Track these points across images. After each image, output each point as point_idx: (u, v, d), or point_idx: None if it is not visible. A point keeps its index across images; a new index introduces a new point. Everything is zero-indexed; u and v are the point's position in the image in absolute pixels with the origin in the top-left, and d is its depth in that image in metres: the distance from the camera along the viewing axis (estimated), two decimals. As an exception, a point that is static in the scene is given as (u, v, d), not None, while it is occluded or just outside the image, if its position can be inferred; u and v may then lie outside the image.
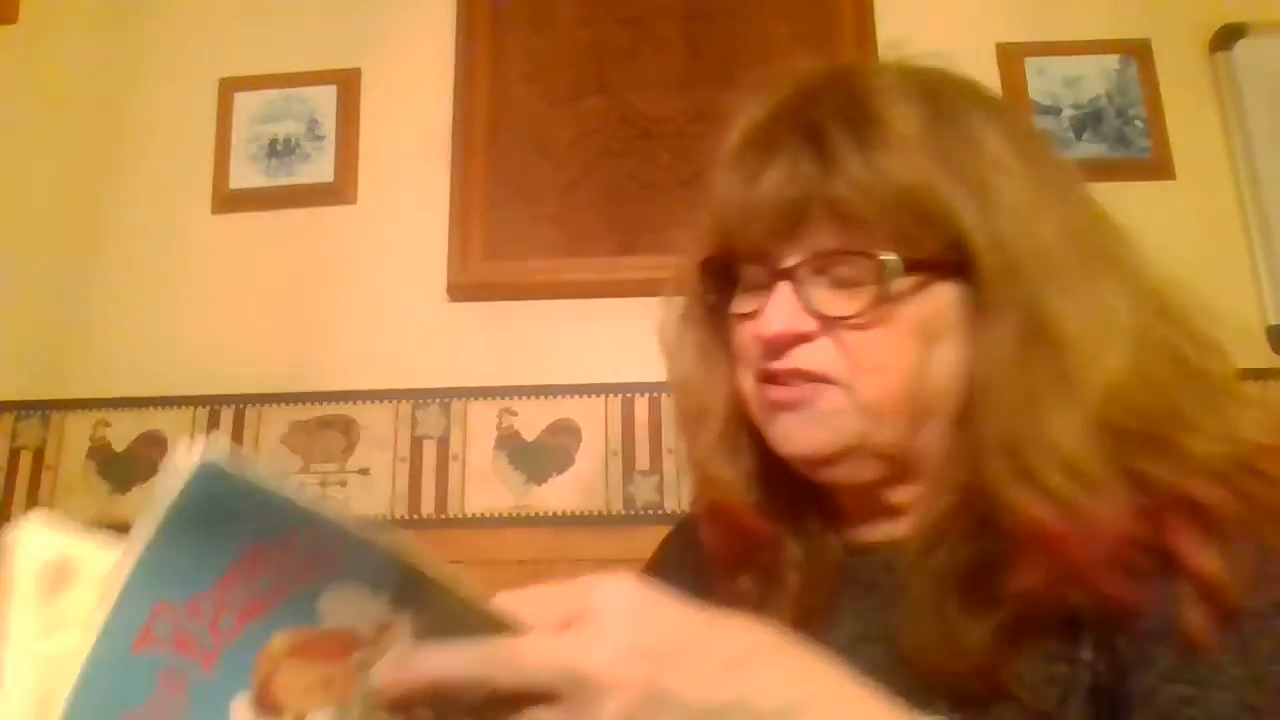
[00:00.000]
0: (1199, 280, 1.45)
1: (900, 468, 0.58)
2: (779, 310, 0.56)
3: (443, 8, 1.44)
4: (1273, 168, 1.30)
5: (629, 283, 1.28)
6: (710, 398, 0.64)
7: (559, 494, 1.27)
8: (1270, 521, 0.49)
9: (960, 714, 0.50)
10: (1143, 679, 0.48)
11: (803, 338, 0.56)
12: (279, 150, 1.41)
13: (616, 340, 1.29)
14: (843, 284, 0.56)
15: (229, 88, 1.44)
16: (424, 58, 1.43)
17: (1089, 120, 1.36)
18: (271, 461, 0.39)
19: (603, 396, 1.30)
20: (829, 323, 0.56)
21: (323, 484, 1.29)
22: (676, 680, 0.39)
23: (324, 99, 1.42)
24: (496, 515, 1.26)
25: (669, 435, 1.28)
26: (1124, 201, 1.50)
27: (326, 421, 1.31)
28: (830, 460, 0.57)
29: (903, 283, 0.55)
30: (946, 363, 0.56)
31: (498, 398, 1.31)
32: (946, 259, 0.55)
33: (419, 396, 1.31)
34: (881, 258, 0.54)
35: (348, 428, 1.31)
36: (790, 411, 0.57)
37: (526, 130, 1.38)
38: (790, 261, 0.56)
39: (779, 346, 0.57)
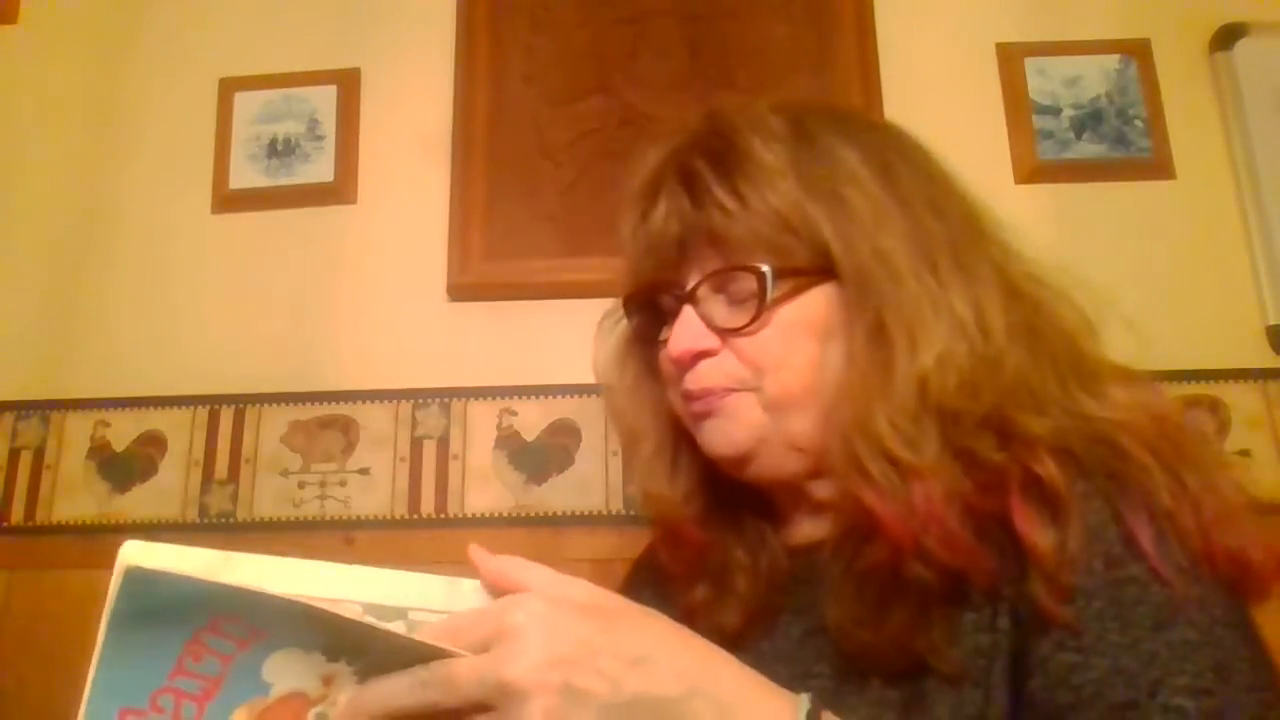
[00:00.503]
0: (1199, 280, 1.46)
1: (816, 461, 0.63)
2: (683, 331, 0.63)
3: (443, 8, 1.44)
4: (1273, 168, 1.30)
5: (629, 283, 1.28)
6: (643, 421, 0.72)
7: (559, 494, 1.27)
8: (1109, 495, 0.53)
9: (898, 691, 0.55)
10: (1040, 646, 0.52)
11: (706, 354, 0.63)
12: (279, 150, 1.41)
13: (616, 340, 1.30)
14: (737, 300, 0.63)
15: (229, 88, 1.44)
16: (424, 58, 1.43)
17: (1089, 120, 1.36)
18: (186, 552, 0.40)
19: (603, 397, 1.30)
20: (727, 335, 0.62)
21: (323, 484, 1.29)
22: (588, 680, 0.45)
23: (324, 99, 1.42)
24: (496, 515, 1.26)
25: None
26: (1124, 201, 1.51)
27: (326, 421, 1.31)
28: (749, 456, 0.63)
29: (781, 288, 0.61)
30: (836, 361, 0.61)
31: (498, 398, 1.31)
32: (815, 265, 0.61)
33: (419, 396, 1.31)
34: (760, 268, 0.61)
35: (348, 428, 1.31)
36: (709, 419, 0.64)
37: (526, 130, 1.38)
38: (688, 286, 0.64)
39: (686, 364, 0.64)
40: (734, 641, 0.64)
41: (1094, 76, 1.37)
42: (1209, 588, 0.52)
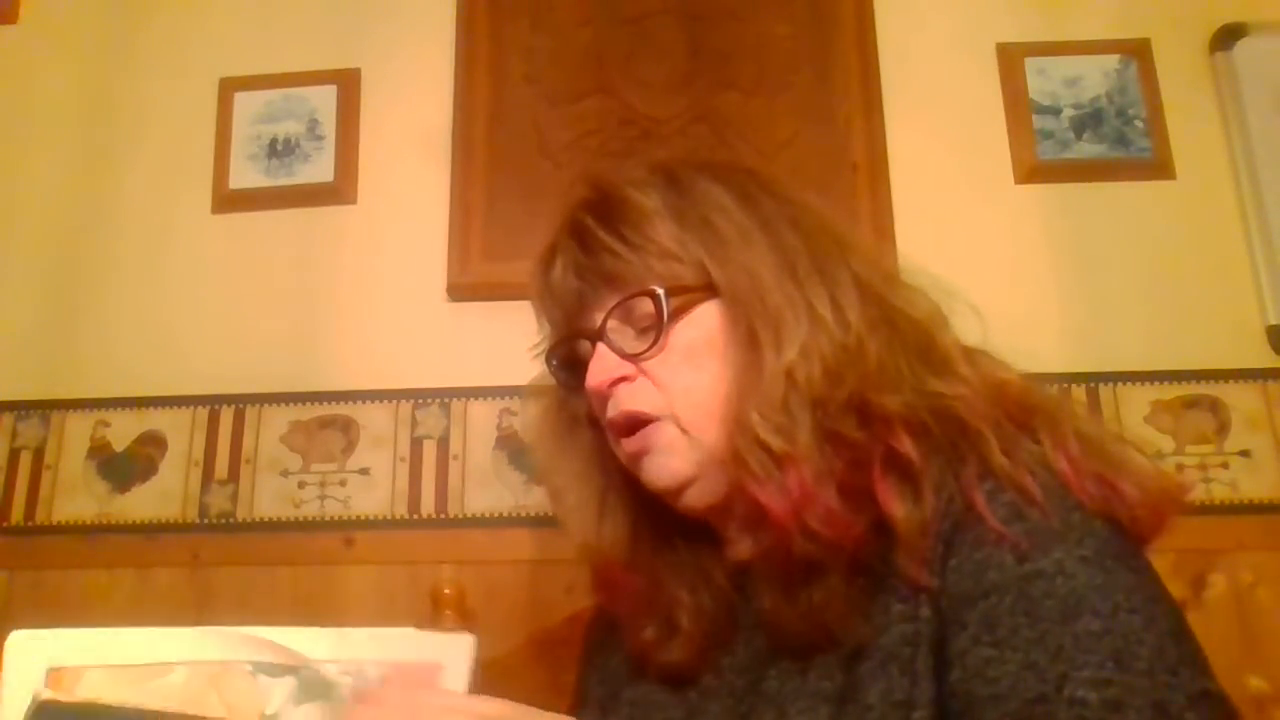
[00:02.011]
0: (1199, 280, 1.46)
1: (738, 475, 0.65)
2: (598, 364, 0.68)
3: (443, 8, 1.44)
4: (1273, 168, 1.30)
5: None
6: (568, 472, 0.76)
7: (559, 494, 1.27)
8: (951, 464, 0.59)
9: (833, 683, 0.59)
10: (958, 640, 0.55)
11: (623, 379, 0.67)
12: (279, 150, 1.41)
13: (616, 340, 1.30)
14: (641, 327, 0.68)
15: (229, 88, 1.44)
16: (424, 58, 1.43)
17: (1089, 120, 1.36)
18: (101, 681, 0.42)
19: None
20: (637, 360, 0.67)
21: (322, 484, 1.29)
22: None
23: (324, 99, 1.42)
24: (496, 515, 1.26)
25: None
26: (1124, 201, 1.52)
27: (326, 421, 1.31)
28: (690, 482, 0.67)
29: (674, 304, 0.66)
30: (731, 372, 0.65)
31: (498, 398, 1.31)
32: (701, 284, 0.67)
33: (419, 396, 1.31)
34: (654, 289, 0.66)
35: (348, 428, 1.31)
36: (644, 456, 0.68)
37: (526, 130, 1.38)
38: (594, 326, 0.69)
39: (604, 393, 0.68)
40: (689, 668, 0.69)
41: (1094, 76, 1.37)
42: (1075, 526, 0.56)
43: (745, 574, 0.69)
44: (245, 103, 1.43)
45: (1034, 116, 1.36)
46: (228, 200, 1.40)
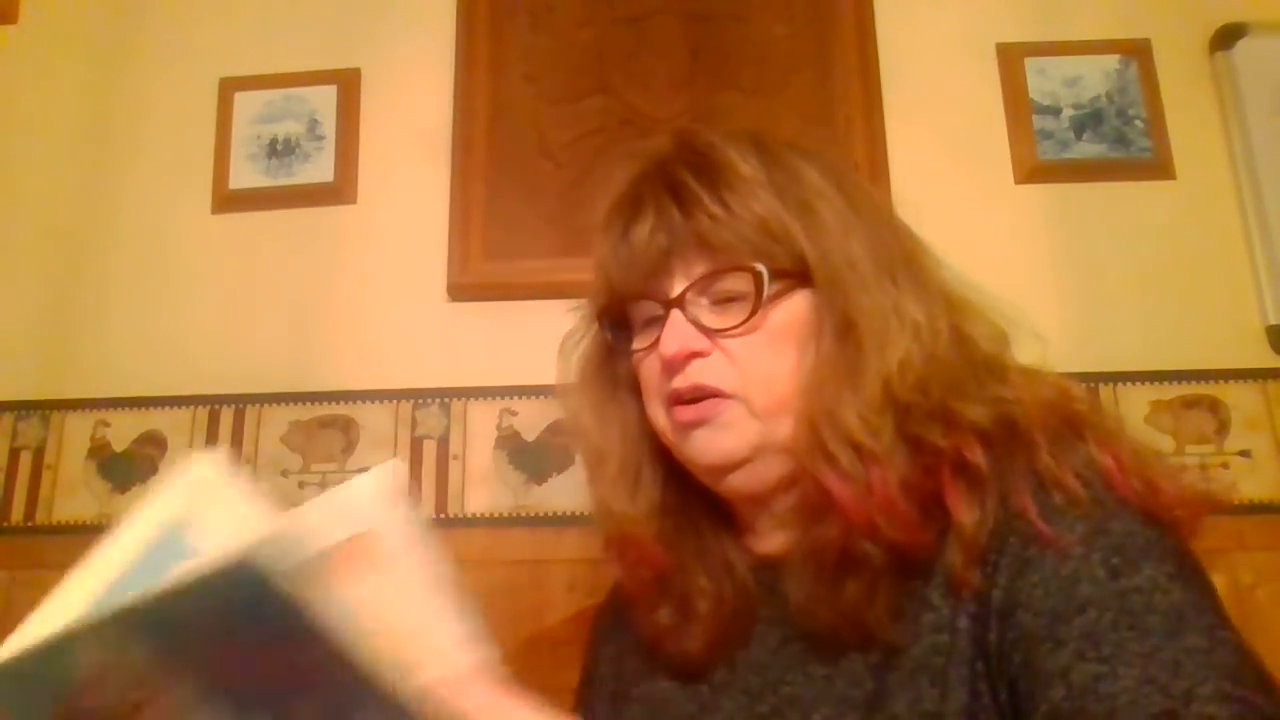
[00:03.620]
0: (1199, 280, 1.46)
1: (796, 466, 0.65)
2: (674, 332, 0.65)
3: (443, 8, 1.44)
4: (1273, 168, 1.30)
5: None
6: (609, 438, 0.73)
7: (559, 494, 1.27)
8: (1003, 467, 0.59)
9: (862, 690, 0.58)
10: (1054, 657, 0.53)
11: (697, 354, 0.65)
12: (279, 150, 1.41)
13: (616, 340, 1.30)
14: (723, 302, 0.65)
15: (229, 88, 1.44)
16: (424, 57, 1.43)
17: (1089, 120, 1.36)
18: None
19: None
20: (718, 336, 0.65)
21: (323, 484, 1.29)
22: None
23: (324, 99, 1.42)
24: (496, 515, 1.26)
25: None
26: (1124, 201, 1.51)
27: (326, 421, 1.31)
28: (741, 463, 0.65)
29: (773, 288, 0.64)
30: (811, 361, 0.64)
31: (498, 398, 1.31)
32: (796, 270, 0.65)
33: (419, 396, 1.31)
34: (757, 268, 0.64)
35: (348, 428, 1.31)
36: (699, 427, 0.65)
37: (526, 130, 1.38)
38: (675, 292, 0.66)
39: (678, 364, 0.65)
40: (703, 659, 0.68)
41: (1094, 76, 1.37)
42: (1125, 521, 0.56)
43: (769, 569, 0.68)
44: (245, 103, 1.43)
45: (1034, 116, 1.36)
46: (228, 200, 1.40)
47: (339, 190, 1.39)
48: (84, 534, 1.26)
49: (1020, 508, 0.57)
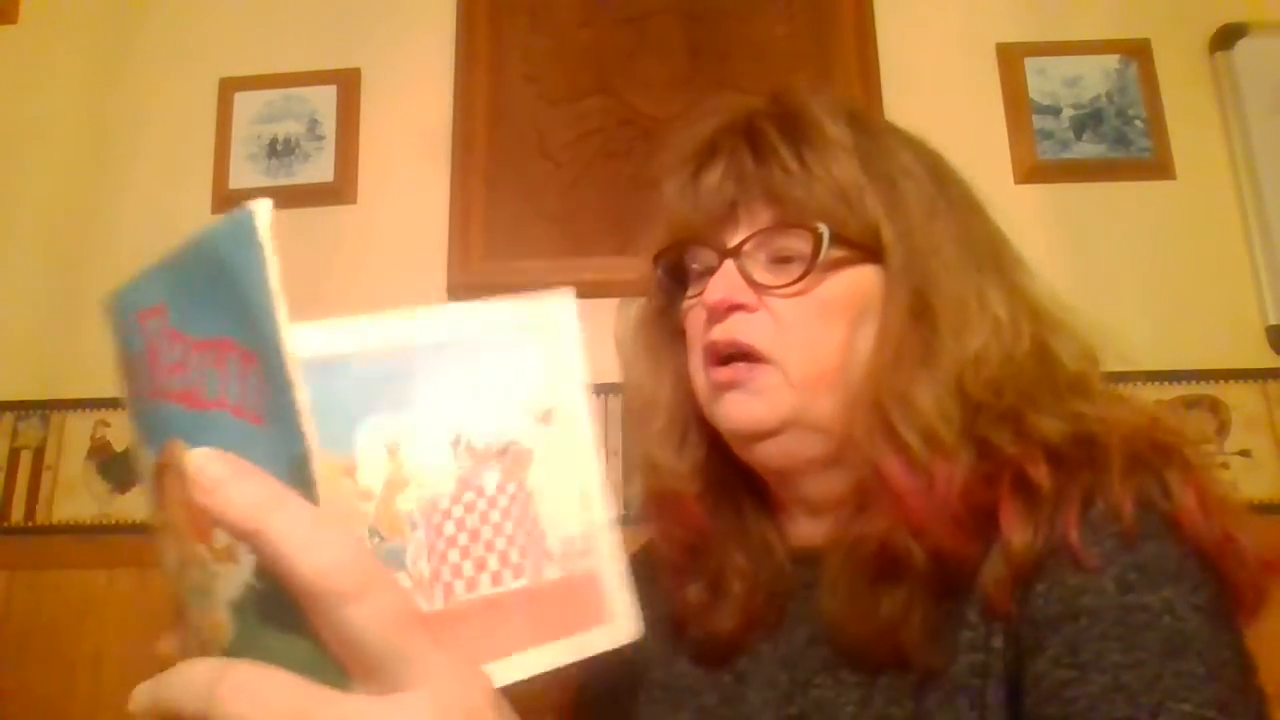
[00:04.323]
0: (1199, 280, 1.46)
1: (834, 447, 0.62)
2: (722, 280, 0.62)
3: (443, 8, 1.44)
4: (1273, 168, 1.30)
5: (629, 283, 1.28)
6: (661, 392, 0.69)
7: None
8: (1064, 487, 0.55)
9: (901, 709, 0.55)
10: (1034, 664, 0.52)
11: (742, 307, 0.61)
12: (279, 150, 1.41)
13: (616, 340, 1.30)
14: (780, 261, 0.62)
15: (229, 88, 1.44)
16: (424, 57, 1.43)
17: (1089, 120, 1.36)
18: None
19: (603, 396, 1.30)
20: (766, 293, 0.61)
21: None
22: None
23: (324, 99, 1.42)
24: (496, 515, 1.26)
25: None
26: (1124, 201, 1.51)
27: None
28: (769, 433, 0.62)
29: (833, 254, 0.60)
30: (868, 343, 0.61)
31: (498, 398, 1.31)
32: (865, 243, 0.61)
33: (419, 396, 1.31)
34: (818, 227, 0.60)
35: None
36: (732, 390, 0.62)
37: (526, 130, 1.38)
38: (732, 242, 0.62)
39: (720, 313, 0.62)
40: (730, 643, 0.64)
41: (1094, 76, 1.37)
42: (1190, 571, 0.51)
43: (805, 563, 0.65)
44: (245, 103, 1.43)
45: (1034, 116, 1.36)
46: (228, 200, 1.40)
47: (339, 190, 1.39)
48: (84, 534, 1.27)
49: (1065, 525, 0.53)
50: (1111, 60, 1.38)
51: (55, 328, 1.37)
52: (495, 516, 0.47)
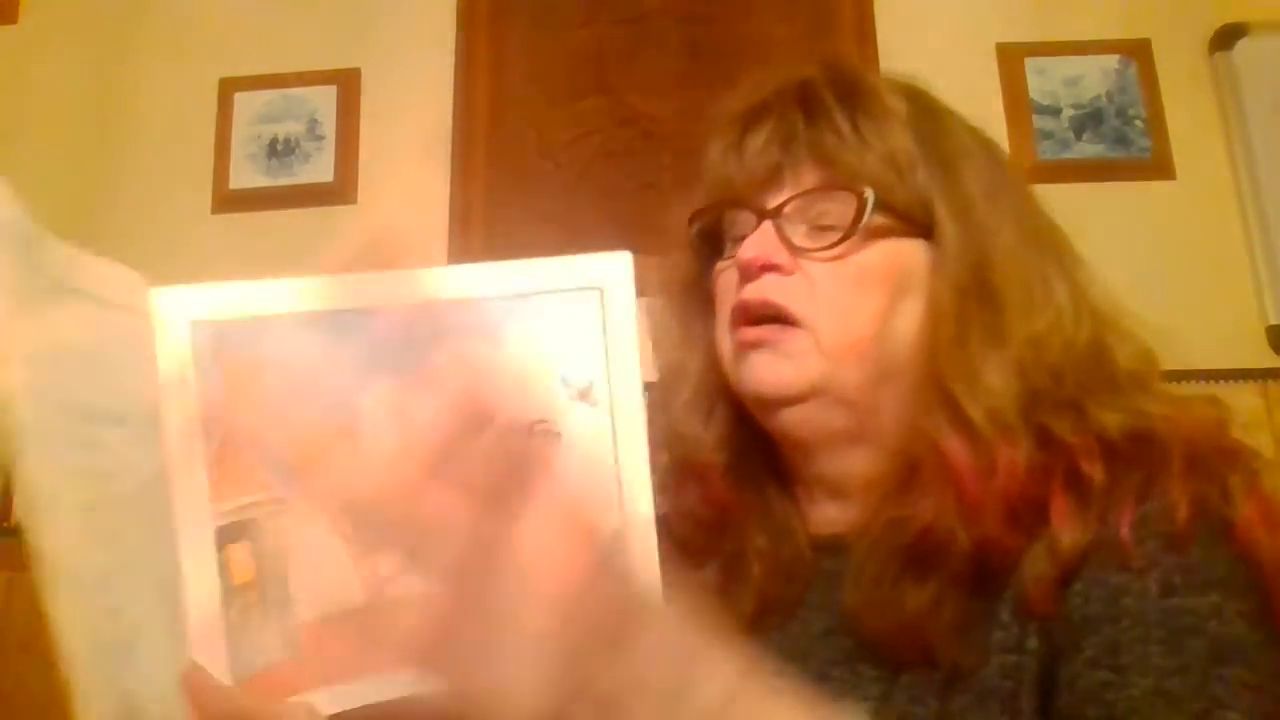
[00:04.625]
0: (1199, 280, 1.46)
1: (857, 422, 0.59)
2: (759, 238, 0.59)
3: (443, 8, 1.44)
4: (1273, 168, 1.30)
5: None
6: (688, 360, 0.66)
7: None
8: (1118, 483, 0.52)
9: (925, 708, 0.52)
10: (1070, 665, 0.50)
11: (777, 268, 0.59)
12: (279, 150, 1.41)
13: (616, 340, 1.29)
14: (821, 228, 0.59)
15: (229, 88, 1.44)
16: (424, 58, 1.43)
17: (1089, 120, 1.36)
18: None
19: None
20: (803, 255, 0.59)
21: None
22: None
23: (324, 99, 1.42)
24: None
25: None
26: (1124, 201, 1.51)
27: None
28: (795, 399, 0.59)
29: (876, 221, 0.58)
30: (909, 320, 0.59)
31: (498, 398, 1.31)
32: (914, 216, 0.59)
33: (419, 396, 1.31)
34: (863, 191, 0.58)
35: (348, 428, 1.31)
36: (758, 350, 0.59)
37: (526, 130, 1.38)
38: (774, 203, 0.60)
39: (753, 271, 0.59)
40: (743, 629, 0.60)
41: (1094, 76, 1.37)
42: (1240, 577, 0.49)
43: (827, 551, 0.62)
44: (245, 103, 1.43)
45: (1034, 116, 1.36)
46: (228, 200, 1.40)
47: (339, 190, 1.39)
48: (84, 534, 1.27)
49: (1115, 522, 0.51)
50: (1111, 60, 1.38)
51: (55, 328, 1.37)
52: None
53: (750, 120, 0.63)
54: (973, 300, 0.57)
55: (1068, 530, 0.51)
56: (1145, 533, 0.50)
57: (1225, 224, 1.32)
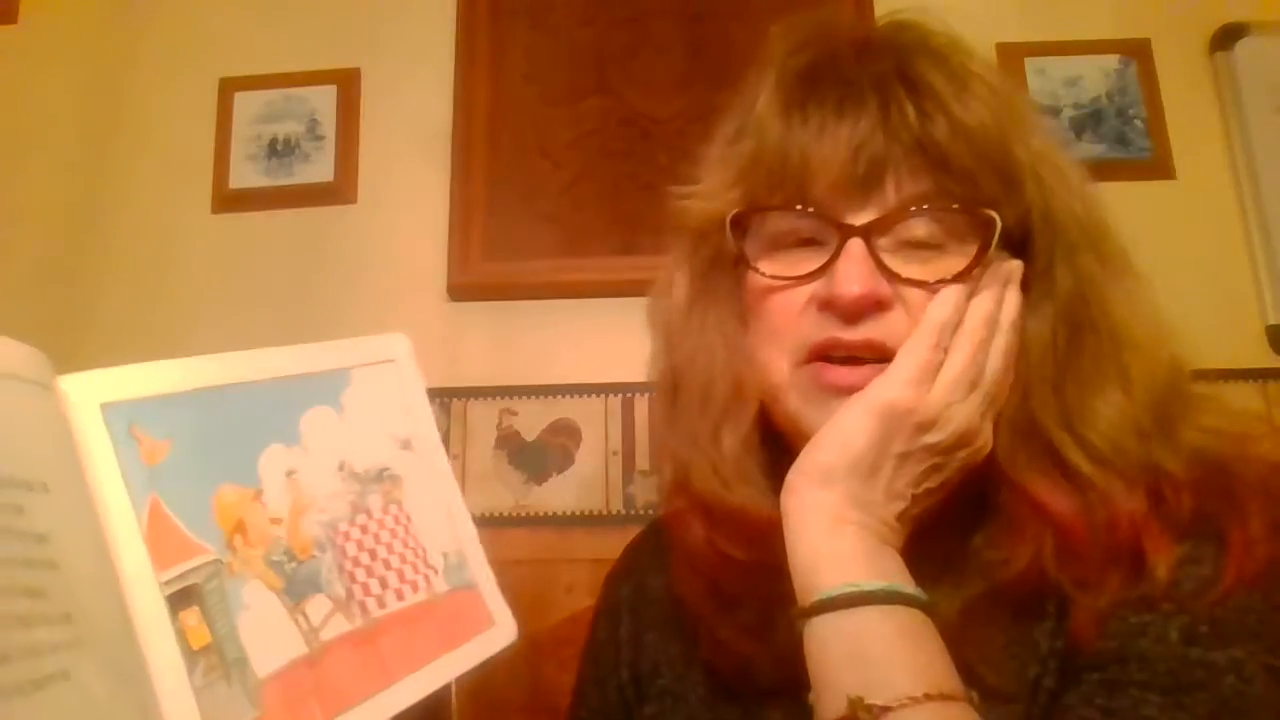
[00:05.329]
0: (1199, 280, 1.45)
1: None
2: (857, 270, 0.49)
3: (443, 8, 1.44)
4: (1273, 168, 1.30)
5: (629, 283, 1.28)
6: (711, 366, 0.58)
7: (559, 494, 1.27)
8: (1211, 524, 0.48)
9: None
10: (1068, 696, 0.47)
11: (880, 304, 0.50)
12: (279, 150, 1.41)
13: (616, 340, 1.29)
14: (910, 243, 0.51)
15: (229, 88, 1.44)
16: (424, 58, 1.43)
17: (1089, 120, 1.36)
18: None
19: (603, 396, 1.30)
20: (907, 287, 0.50)
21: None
22: None
23: (324, 99, 1.42)
24: (496, 515, 1.26)
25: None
26: (1124, 201, 1.50)
27: (326, 421, 1.31)
28: None
29: (997, 249, 0.51)
30: (997, 355, 0.52)
31: (498, 398, 1.31)
32: (1014, 235, 0.52)
33: (419, 396, 1.31)
34: (990, 215, 0.50)
35: (348, 428, 1.31)
36: (846, 395, 0.51)
37: (526, 130, 1.38)
38: (864, 216, 0.50)
39: (857, 311, 0.50)
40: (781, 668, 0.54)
41: (1094, 76, 1.37)
42: (1273, 628, 0.46)
43: None
44: (245, 103, 1.43)
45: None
46: (228, 200, 1.40)
47: (339, 190, 1.39)
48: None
49: (1156, 560, 0.47)
50: (1111, 60, 1.38)
51: (55, 327, 1.37)
52: (385, 536, 0.51)
53: (835, 104, 0.52)
54: (1077, 329, 0.52)
55: (1163, 561, 0.47)
56: (1184, 574, 0.47)
57: (1225, 224, 1.32)
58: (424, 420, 0.59)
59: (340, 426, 0.52)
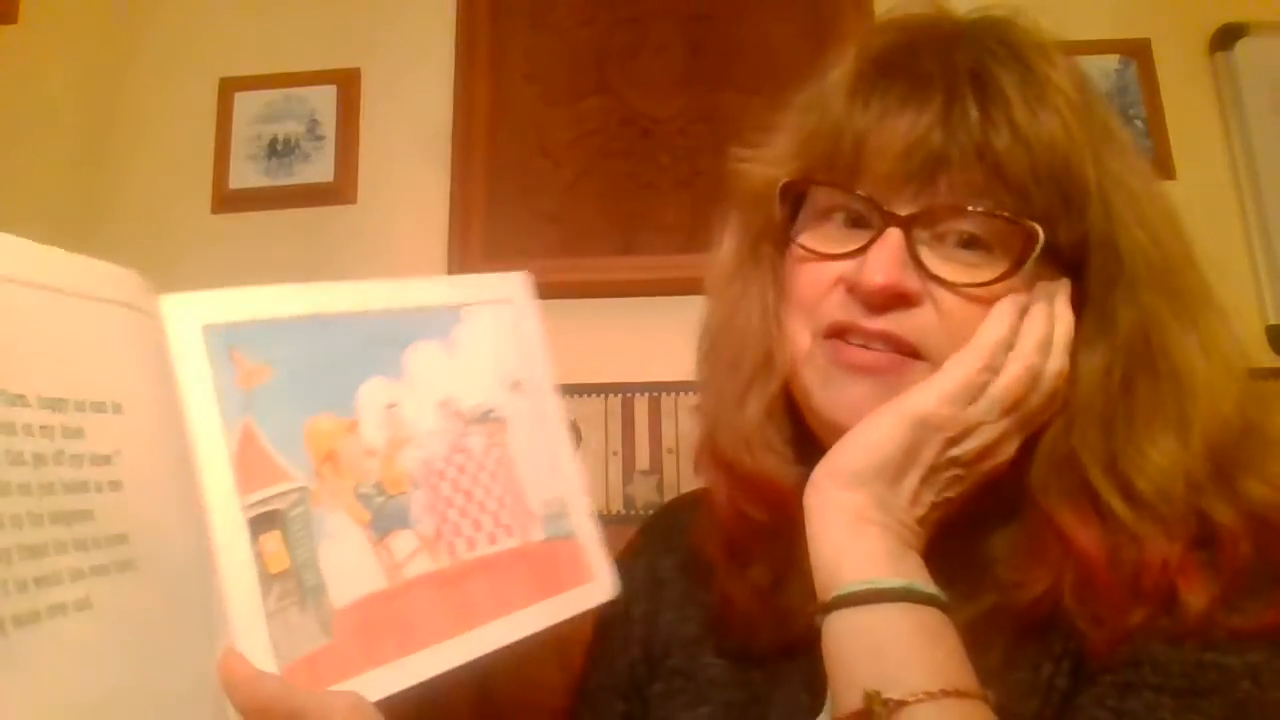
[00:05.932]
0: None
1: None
2: (889, 257, 0.49)
3: (443, 8, 1.44)
4: (1273, 168, 1.30)
5: (629, 283, 1.28)
6: (753, 341, 0.58)
7: (559, 494, 1.27)
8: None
9: None
10: (1081, 696, 0.47)
11: (905, 298, 0.50)
12: (279, 150, 1.41)
13: (616, 340, 1.29)
14: (957, 246, 0.51)
15: (229, 88, 1.44)
16: (424, 58, 1.43)
17: (1089, 120, 1.36)
18: None
19: (602, 396, 1.30)
20: (939, 287, 0.50)
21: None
22: None
23: (324, 99, 1.42)
24: (496, 515, 1.26)
25: (669, 435, 1.27)
26: (1124, 201, 1.49)
27: (326, 421, 1.31)
28: None
29: (1036, 263, 0.50)
30: (1052, 372, 0.51)
31: (498, 398, 1.30)
32: (1071, 256, 0.52)
33: (419, 396, 1.31)
34: (1034, 228, 0.49)
35: (348, 428, 1.31)
36: (864, 377, 0.51)
37: (526, 130, 1.38)
38: (910, 208, 0.50)
39: (879, 301, 0.50)
40: (778, 636, 0.57)
41: (1094, 77, 1.36)
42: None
43: None
44: (245, 103, 1.43)
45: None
46: (228, 200, 1.40)
47: (339, 190, 1.39)
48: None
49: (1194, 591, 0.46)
50: (1111, 60, 1.38)
51: (55, 328, 1.37)
52: (485, 479, 0.50)
53: (905, 92, 0.51)
54: (1136, 367, 0.50)
55: (1196, 596, 0.46)
56: (1221, 610, 0.45)
57: (1225, 224, 1.32)
58: (538, 364, 0.56)
59: (447, 363, 0.51)
